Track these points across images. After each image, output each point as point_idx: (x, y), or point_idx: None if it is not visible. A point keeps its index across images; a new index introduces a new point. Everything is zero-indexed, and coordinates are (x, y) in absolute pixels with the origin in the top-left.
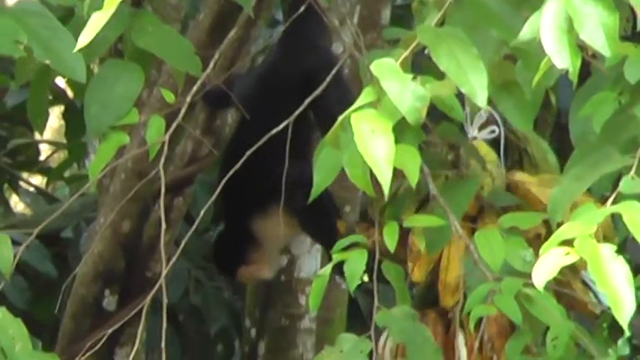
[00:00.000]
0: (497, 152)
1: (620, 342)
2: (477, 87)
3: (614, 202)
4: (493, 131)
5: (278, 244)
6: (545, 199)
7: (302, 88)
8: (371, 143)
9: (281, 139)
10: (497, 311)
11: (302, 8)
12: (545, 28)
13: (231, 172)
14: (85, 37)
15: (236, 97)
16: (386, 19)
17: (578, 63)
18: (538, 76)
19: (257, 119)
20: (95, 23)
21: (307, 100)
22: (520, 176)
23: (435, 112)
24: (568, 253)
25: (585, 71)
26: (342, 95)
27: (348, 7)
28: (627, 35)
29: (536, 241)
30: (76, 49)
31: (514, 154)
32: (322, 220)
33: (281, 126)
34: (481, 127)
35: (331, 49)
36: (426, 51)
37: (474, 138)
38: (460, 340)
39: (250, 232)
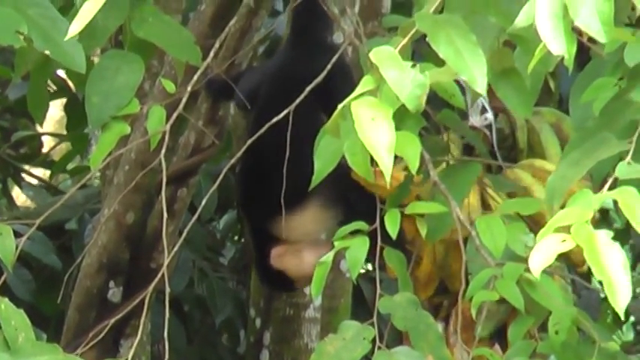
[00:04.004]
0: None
1: (624, 327)
2: (477, 74)
3: (613, 187)
4: (486, 118)
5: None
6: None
7: (319, 92)
8: (371, 130)
9: (302, 140)
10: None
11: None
12: (540, 15)
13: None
14: (77, 25)
15: (246, 94)
16: (387, 8)
17: (574, 49)
18: (533, 62)
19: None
20: (87, 11)
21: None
22: (515, 174)
23: (437, 100)
24: (564, 240)
25: (586, 56)
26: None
27: None
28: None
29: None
30: (67, 37)
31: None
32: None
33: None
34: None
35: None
36: (427, 38)
37: (473, 126)
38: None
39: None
